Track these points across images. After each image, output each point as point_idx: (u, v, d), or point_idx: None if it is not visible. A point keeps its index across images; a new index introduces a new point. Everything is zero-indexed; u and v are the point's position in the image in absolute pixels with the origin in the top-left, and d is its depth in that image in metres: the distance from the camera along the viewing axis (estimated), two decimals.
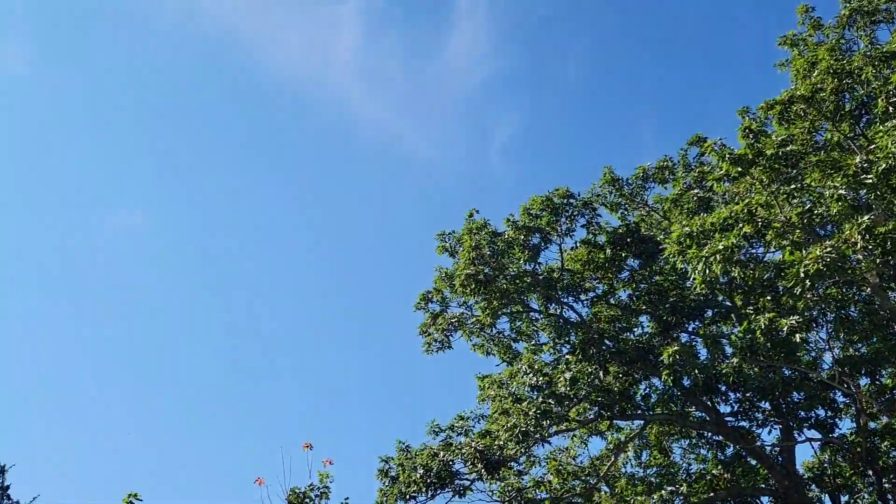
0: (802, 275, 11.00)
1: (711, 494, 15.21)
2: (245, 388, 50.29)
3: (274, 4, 50.35)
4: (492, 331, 17.71)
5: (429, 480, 13.98)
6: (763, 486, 15.40)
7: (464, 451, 13.97)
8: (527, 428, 13.23)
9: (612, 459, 16.87)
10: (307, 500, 14.51)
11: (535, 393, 14.27)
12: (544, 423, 13.60)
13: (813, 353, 15.56)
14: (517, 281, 16.50)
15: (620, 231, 16.82)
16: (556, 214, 16.61)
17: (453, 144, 54.72)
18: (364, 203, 56.37)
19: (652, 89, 53.27)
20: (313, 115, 52.05)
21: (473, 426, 15.51)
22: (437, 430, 15.57)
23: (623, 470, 17.25)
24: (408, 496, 14.10)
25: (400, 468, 14.53)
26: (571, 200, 16.79)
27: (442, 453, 14.24)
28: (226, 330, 51.78)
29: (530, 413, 13.39)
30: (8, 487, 20.08)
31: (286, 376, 50.89)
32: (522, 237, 16.23)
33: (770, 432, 16.07)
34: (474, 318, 17.31)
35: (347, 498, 13.73)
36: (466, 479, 14.53)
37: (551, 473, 16.46)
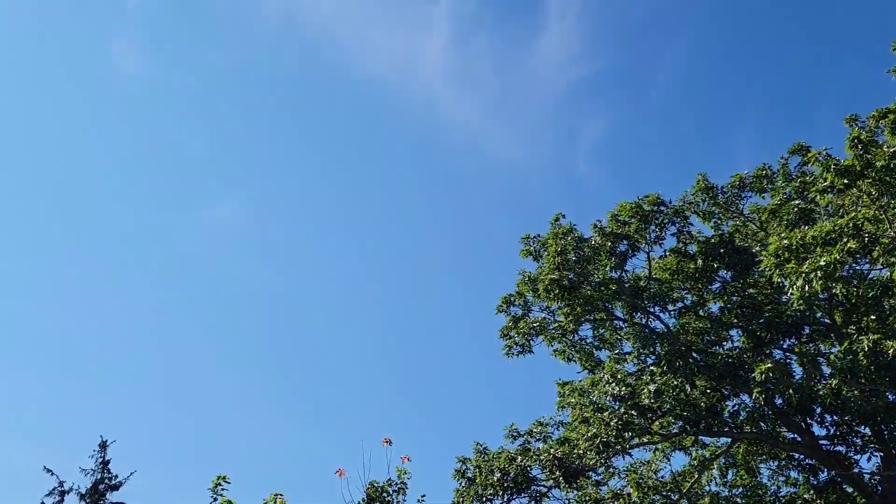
0: None
1: None
2: (333, 380, 51.92)
3: (368, 4, 51.58)
4: (574, 337, 17.53)
5: (505, 484, 13.98)
6: None
7: (542, 457, 13.89)
8: (608, 438, 13.01)
9: (696, 476, 16.35)
10: (385, 494, 14.85)
11: (618, 403, 14.01)
12: (626, 434, 13.33)
13: None
14: (602, 288, 16.25)
15: (713, 241, 16.29)
16: (646, 222, 16.25)
17: (540, 146, 54.57)
18: (450, 203, 56.94)
19: (750, 95, 51.26)
20: (403, 114, 53.14)
21: (552, 433, 15.44)
22: (515, 433, 15.57)
23: (707, 488, 16.72)
24: (484, 498, 14.16)
25: (477, 470, 14.60)
26: (662, 208, 16.40)
27: (520, 458, 14.22)
28: (316, 322, 53.58)
29: (611, 423, 13.16)
30: (108, 462, 21.58)
31: (372, 371, 52.25)
32: (609, 244, 15.98)
33: (870, 460, 15.08)
34: (556, 324, 17.18)
35: (424, 495, 14.02)
36: (543, 486, 14.45)
37: (631, 486, 16.13)
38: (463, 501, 14.28)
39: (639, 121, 53.29)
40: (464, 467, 15.07)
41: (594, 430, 13.23)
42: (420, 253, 55.65)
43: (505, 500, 14.32)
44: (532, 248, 17.18)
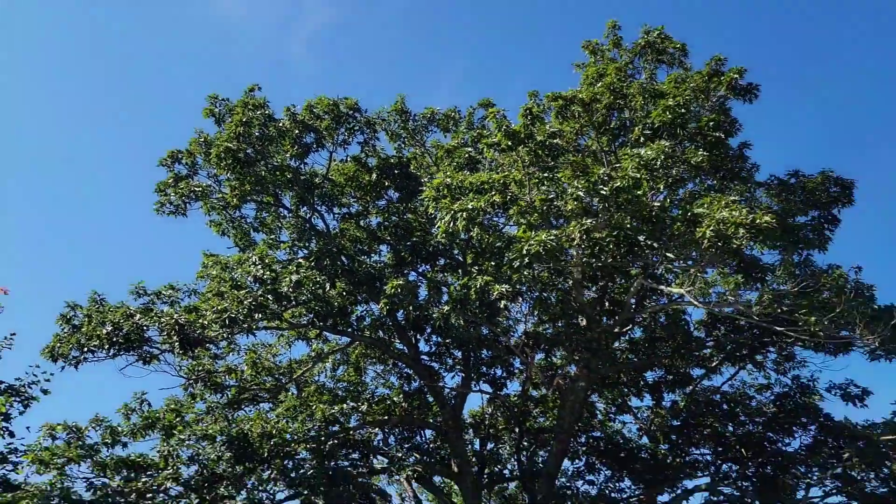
0: (525, 252, 12.25)
1: (385, 418, 16.46)
2: None
3: None
4: (235, 213, 17.06)
5: (115, 339, 13.21)
6: (431, 421, 17.07)
7: (163, 320, 13.36)
8: (237, 315, 12.97)
9: (310, 366, 17.46)
10: None
11: (257, 285, 14.05)
12: (256, 315, 13.42)
13: (510, 322, 17.42)
14: (277, 172, 16.03)
15: (392, 161, 17.06)
16: (338, 123, 16.35)
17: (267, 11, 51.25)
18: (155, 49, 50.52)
19: (467, 38, 54.54)
20: None
21: (182, 299, 14.88)
22: (141, 292, 14.68)
23: (316, 378, 17.98)
24: (86, 349, 13.20)
25: (86, 318, 13.51)
26: (357, 115, 16.61)
27: (138, 316, 13.49)
28: None
29: (245, 302, 13.15)
30: None
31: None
32: (297, 131, 15.76)
33: (453, 378, 17.63)
34: (220, 195, 16.51)
35: (14, 333, 12.55)
36: (157, 348, 14.00)
37: (246, 364, 16.58)
38: (60, 347, 13.11)
39: (367, 24, 53.19)
40: (72, 314, 13.79)
41: (226, 305, 13.11)
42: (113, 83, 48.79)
43: (110, 354, 13.55)
44: (217, 110, 16.11)
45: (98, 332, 13.01)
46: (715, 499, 15.87)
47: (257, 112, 15.43)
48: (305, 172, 16.57)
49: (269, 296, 13.84)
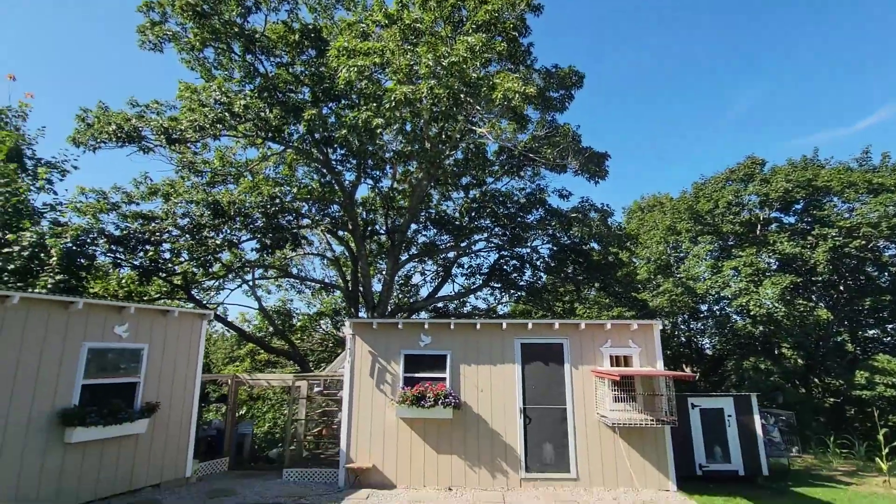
0: (394, 99, 12.65)
1: (308, 197, 17.10)
2: None
3: None
4: (199, 54, 15.49)
5: (119, 135, 12.59)
6: (336, 200, 17.93)
7: (152, 124, 12.82)
8: (204, 124, 12.73)
9: (258, 162, 17.42)
10: (3, 116, 11.75)
11: (218, 105, 13.55)
12: (218, 125, 13.22)
13: (379, 144, 17.80)
14: (227, 27, 14.53)
15: (310, 27, 15.90)
16: None
17: None
18: None
19: None
20: None
21: (166, 111, 14.06)
22: (135, 104, 13.68)
23: (265, 171, 18.01)
24: (99, 140, 12.53)
25: (97, 119, 12.62)
26: None
27: (135, 120, 12.80)
28: None
29: (209, 116, 12.83)
30: None
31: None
32: None
33: (350, 175, 18.35)
34: (187, 39, 14.84)
35: (45, 126, 11.68)
36: (151, 143, 13.49)
37: (216, 158, 16.31)
38: (80, 137, 12.35)
39: None
40: (85, 115, 12.78)
41: (195, 117, 12.72)
42: None
43: (118, 145, 12.96)
44: None
45: (106, 129, 12.32)
46: (488, 245, 18.66)
47: None
48: (249, 29, 15.13)
49: (226, 113, 13.48)
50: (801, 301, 17.64)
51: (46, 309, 7.17)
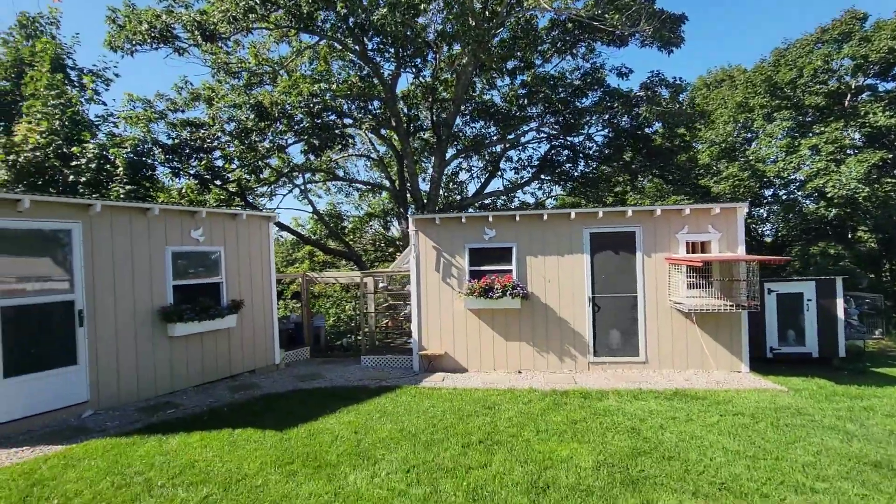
0: None
1: (348, 93, 16.28)
2: None
3: None
4: None
5: (153, 34, 11.92)
6: (376, 94, 16.98)
7: (184, 18, 11.99)
8: (236, 14, 11.78)
9: (293, 58, 16.44)
10: (37, 24, 11.29)
11: None
12: (250, 15, 12.23)
13: (421, 25, 16.17)
14: None
15: None
16: None
17: None
18: None
19: None
20: None
21: (194, 4, 13.07)
22: None
23: (300, 67, 17.06)
24: (134, 41, 11.95)
25: (126, 19, 11.91)
26: None
27: (164, 16, 12.00)
28: None
29: (240, 4, 11.82)
30: None
31: None
32: None
33: (389, 66, 17.06)
34: None
35: (78, 33, 11.13)
36: (185, 43, 12.79)
37: (251, 56, 15.46)
38: (114, 41, 11.81)
39: None
40: (115, 16, 12.07)
41: (227, 6, 11.75)
42: None
43: (153, 47, 12.35)
44: None
45: (139, 29, 11.65)
46: (538, 135, 17.56)
47: None
48: None
49: (256, 1, 12.37)
50: (888, 180, 15.96)
51: (127, 215, 7.39)
